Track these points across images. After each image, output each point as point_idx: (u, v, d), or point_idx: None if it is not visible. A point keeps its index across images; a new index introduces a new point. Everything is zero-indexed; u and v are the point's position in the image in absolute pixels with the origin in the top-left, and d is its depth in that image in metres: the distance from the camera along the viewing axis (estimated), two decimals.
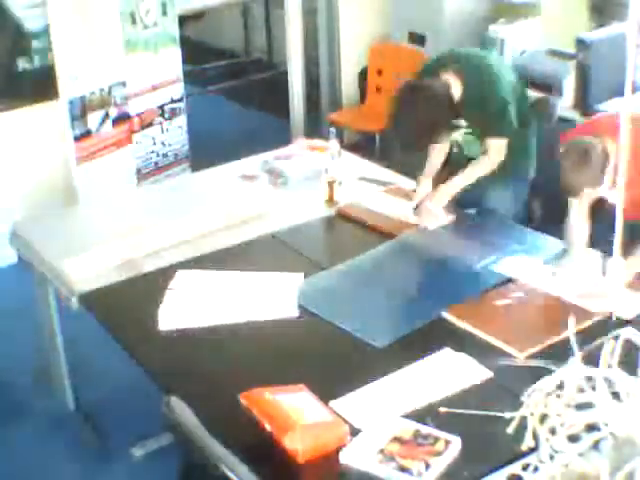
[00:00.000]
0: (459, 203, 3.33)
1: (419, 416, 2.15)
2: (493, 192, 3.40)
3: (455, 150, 3.45)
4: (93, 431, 3.43)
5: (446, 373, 2.34)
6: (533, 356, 2.39)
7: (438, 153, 3.39)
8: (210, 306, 2.73)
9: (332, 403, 2.19)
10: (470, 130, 3.30)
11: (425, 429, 2.07)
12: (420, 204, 3.28)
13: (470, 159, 3.35)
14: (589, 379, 1.82)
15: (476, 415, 2.17)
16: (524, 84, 3.51)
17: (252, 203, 3.38)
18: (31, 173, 4.64)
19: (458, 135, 3.33)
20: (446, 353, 2.43)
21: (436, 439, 2.04)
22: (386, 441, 2.04)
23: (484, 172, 3.27)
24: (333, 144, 3.44)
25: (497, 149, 3.24)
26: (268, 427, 2.05)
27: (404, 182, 3.59)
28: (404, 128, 3.13)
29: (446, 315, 2.61)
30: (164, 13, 4.86)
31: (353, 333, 2.54)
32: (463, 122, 3.26)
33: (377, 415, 2.14)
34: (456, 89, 3.15)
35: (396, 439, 2.04)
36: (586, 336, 1.87)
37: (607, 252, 2.62)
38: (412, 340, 2.50)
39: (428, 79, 3.18)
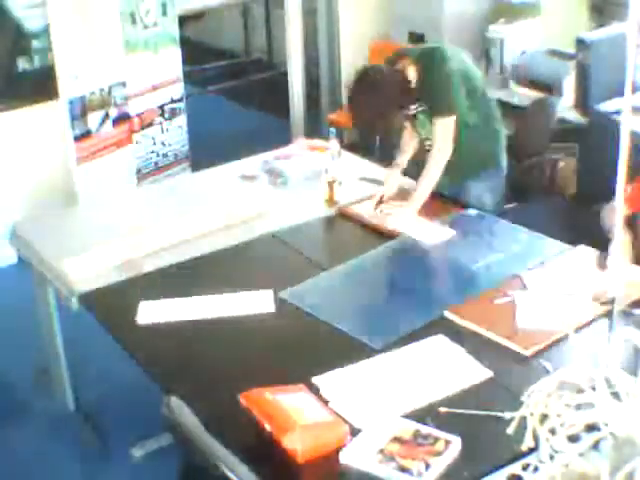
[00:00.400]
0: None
1: (419, 416, 2.15)
2: (468, 184, 3.48)
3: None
4: (93, 431, 3.43)
5: (445, 371, 2.34)
6: (537, 354, 2.39)
7: (407, 144, 3.52)
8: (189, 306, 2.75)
9: (315, 379, 2.21)
10: (423, 112, 3.40)
11: (425, 429, 2.07)
12: (386, 201, 3.36)
13: (426, 139, 3.44)
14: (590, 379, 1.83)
15: (476, 415, 2.17)
16: (480, 81, 3.55)
17: (252, 203, 3.38)
18: (31, 173, 4.64)
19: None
20: (440, 339, 2.45)
21: (436, 439, 2.04)
22: (386, 441, 2.04)
23: (442, 159, 3.30)
24: (333, 144, 3.44)
25: (443, 127, 3.30)
26: (268, 427, 2.05)
27: (403, 182, 3.59)
28: (358, 111, 3.26)
29: (447, 314, 2.61)
30: (164, 13, 4.86)
31: (350, 334, 2.54)
32: (419, 107, 3.38)
33: (377, 415, 2.14)
34: (412, 74, 3.27)
35: (396, 439, 2.04)
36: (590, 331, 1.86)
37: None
38: (412, 340, 2.50)
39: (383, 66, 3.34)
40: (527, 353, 2.40)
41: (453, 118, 3.29)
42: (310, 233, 3.28)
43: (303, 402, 2.13)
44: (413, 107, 3.37)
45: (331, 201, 3.39)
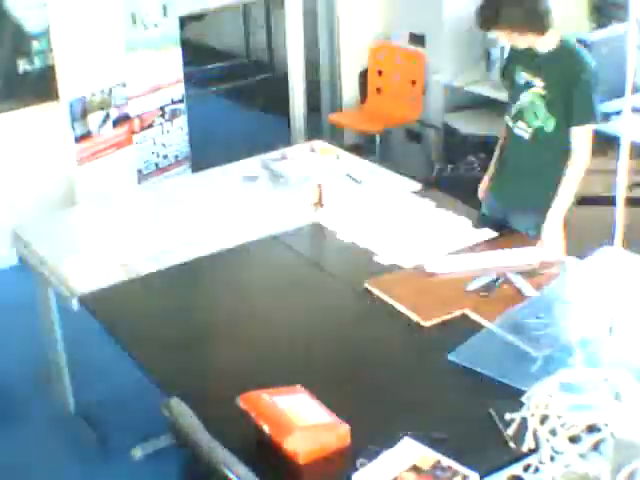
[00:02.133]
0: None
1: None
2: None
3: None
4: (93, 432, 3.43)
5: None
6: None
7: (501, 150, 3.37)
8: None
9: None
10: (543, 93, 3.11)
11: (446, 461, 2.00)
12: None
13: (517, 137, 3.20)
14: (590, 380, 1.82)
15: (476, 415, 2.17)
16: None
17: (252, 203, 3.38)
18: (32, 174, 4.64)
19: (527, 95, 3.16)
20: None
21: (454, 473, 1.96)
22: (403, 468, 1.98)
23: (579, 172, 3.09)
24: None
25: (587, 135, 3.05)
26: (267, 429, 2.05)
27: (404, 182, 3.59)
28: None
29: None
30: (165, 14, 4.86)
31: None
32: (539, 81, 3.12)
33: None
34: (550, 40, 3.06)
35: (414, 468, 1.99)
36: None
37: None
38: None
39: None
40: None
41: (592, 129, 3.05)
42: (310, 233, 3.28)
43: (301, 403, 2.12)
44: (536, 83, 3.11)
45: (319, 204, 3.34)
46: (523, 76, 3.18)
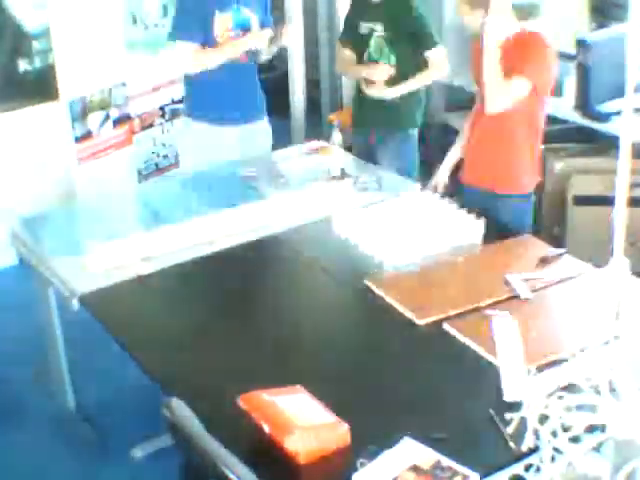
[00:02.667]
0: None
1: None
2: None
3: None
4: (93, 431, 3.43)
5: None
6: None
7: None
8: None
9: None
10: (384, 34, 3.95)
11: (446, 461, 2.00)
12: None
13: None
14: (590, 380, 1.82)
15: (476, 415, 2.17)
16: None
17: (253, 203, 3.38)
18: (32, 174, 4.64)
19: (372, 40, 3.98)
20: None
21: (454, 473, 1.96)
22: (403, 468, 1.98)
23: (428, 78, 4.05)
24: (336, 136, 3.84)
25: (439, 60, 3.95)
26: (267, 429, 2.05)
27: (404, 182, 3.60)
28: None
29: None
30: (165, 14, 4.86)
31: None
32: (379, 26, 3.94)
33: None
34: None
35: (414, 468, 1.98)
36: None
37: None
38: None
39: None
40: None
41: (445, 51, 3.95)
42: (310, 233, 3.28)
43: (302, 403, 2.12)
44: (377, 28, 3.94)
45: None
46: (365, 26, 4.00)
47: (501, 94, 3.17)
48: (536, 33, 3.28)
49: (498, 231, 3.14)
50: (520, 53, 3.16)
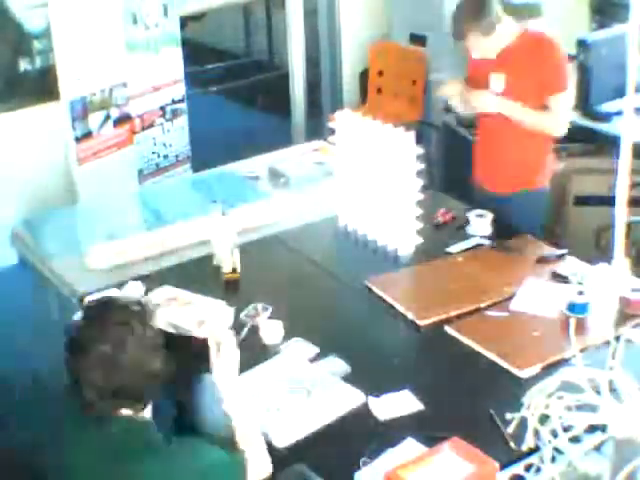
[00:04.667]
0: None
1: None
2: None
3: None
4: None
5: None
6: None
7: None
8: None
9: None
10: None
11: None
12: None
13: None
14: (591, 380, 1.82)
15: (476, 415, 2.17)
16: None
17: (254, 204, 3.38)
18: (32, 174, 4.64)
19: None
20: None
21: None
22: None
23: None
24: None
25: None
26: None
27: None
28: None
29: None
30: (165, 14, 4.86)
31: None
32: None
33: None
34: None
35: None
36: None
37: None
38: None
39: None
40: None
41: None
42: (311, 234, 3.28)
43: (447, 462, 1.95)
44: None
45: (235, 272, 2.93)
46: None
47: (554, 120, 3.23)
48: (545, 38, 3.27)
49: (506, 231, 3.13)
50: (539, 65, 3.17)
